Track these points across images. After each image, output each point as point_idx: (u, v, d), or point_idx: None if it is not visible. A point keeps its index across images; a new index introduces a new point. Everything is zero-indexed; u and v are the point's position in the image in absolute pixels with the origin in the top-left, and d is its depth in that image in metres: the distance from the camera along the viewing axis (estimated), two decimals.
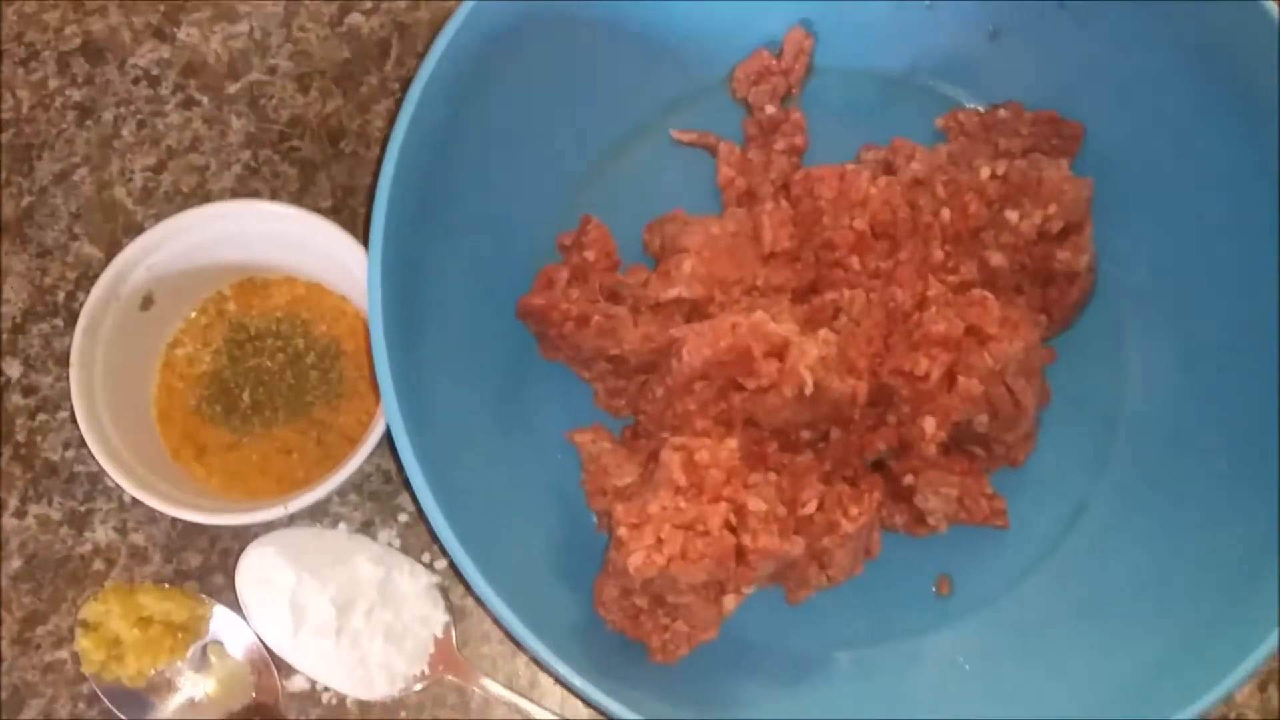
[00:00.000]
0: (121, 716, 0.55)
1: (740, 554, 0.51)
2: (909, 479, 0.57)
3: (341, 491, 0.60)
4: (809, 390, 0.51)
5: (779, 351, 0.52)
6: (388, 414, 0.48)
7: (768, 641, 0.57)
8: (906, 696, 0.55)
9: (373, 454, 0.61)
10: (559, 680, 0.47)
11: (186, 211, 0.58)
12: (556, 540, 0.57)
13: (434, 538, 0.48)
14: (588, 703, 0.48)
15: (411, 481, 0.48)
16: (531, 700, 0.57)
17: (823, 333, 0.53)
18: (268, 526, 0.58)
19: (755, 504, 0.51)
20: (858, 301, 0.56)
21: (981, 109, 0.63)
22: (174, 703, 0.56)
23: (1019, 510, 0.58)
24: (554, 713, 0.57)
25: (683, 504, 0.51)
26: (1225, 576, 0.52)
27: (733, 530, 0.51)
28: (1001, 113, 0.62)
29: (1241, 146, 0.55)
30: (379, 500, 0.61)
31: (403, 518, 0.60)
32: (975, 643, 0.57)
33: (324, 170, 0.66)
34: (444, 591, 0.59)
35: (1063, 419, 0.61)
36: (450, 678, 0.57)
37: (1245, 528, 0.53)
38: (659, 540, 0.50)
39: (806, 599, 0.57)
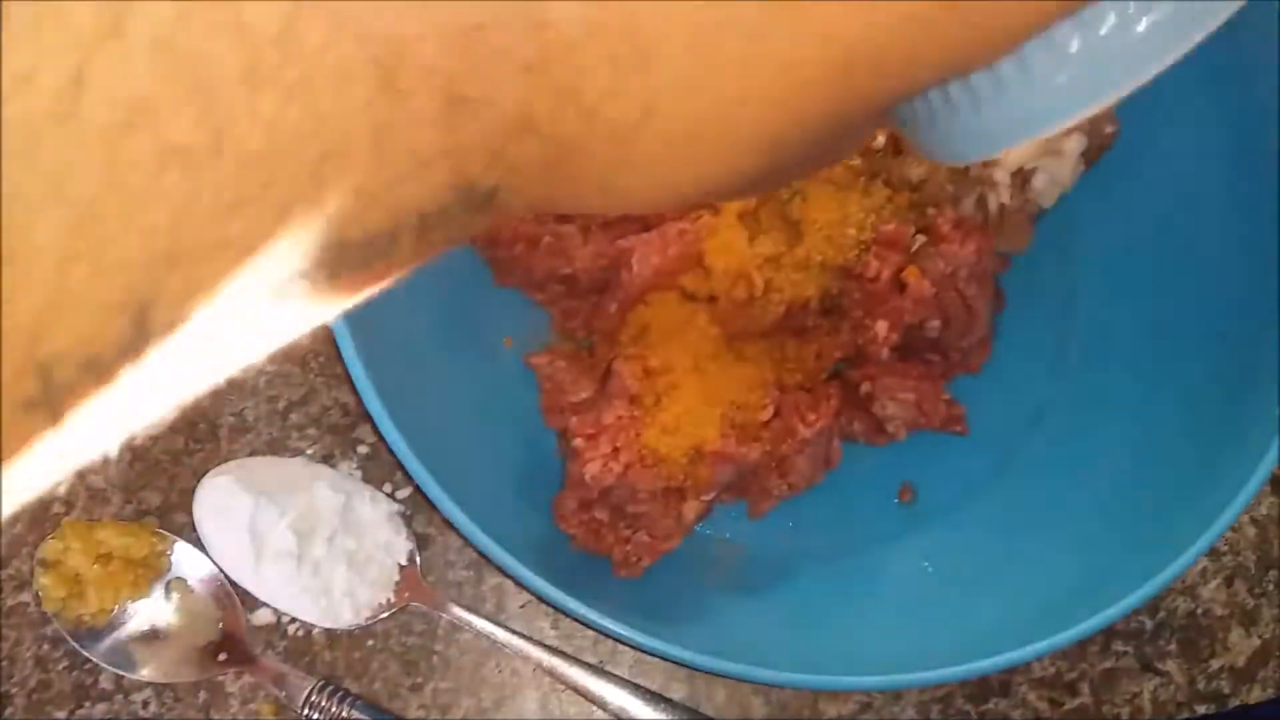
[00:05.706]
0: (85, 654, 0.55)
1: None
2: (866, 386, 0.57)
3: (299, 425, 0.60)
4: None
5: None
6: (341, 348, 0.47)
7: (733, 555, 0.57)
8: (872, 600, 0.56)
9: (331, 388, 0.61)
10: (530, 590, 0.47)
11: None
12: (520, 466, 0.57)
13: (398, 464, 0.48)
14: (560, 610, 0.47)
15: (368, 407, 0.47)
16: (498, 624, 0.57)
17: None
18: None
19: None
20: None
21: None
22: (139, 639, 0.55)
23: (979, 416, 0.59)
24: (519, 633, 0.56)
25: (637, 412, 0.51)
26: (1179, 469, 0.53)
27: None
28: None
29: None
30: (338, 433, 0.60)
31: (362, 449, 0.60)
32: (940, 546, 0.57)
33: None
34: (407, 520, 0.59)
35: (1018, 325, 0.61)
36: (417, 605, 0.57)
37: (1199, 419, 0.53)
38: (615, 449, 0.50)
39: (770, 511, 0.57)
